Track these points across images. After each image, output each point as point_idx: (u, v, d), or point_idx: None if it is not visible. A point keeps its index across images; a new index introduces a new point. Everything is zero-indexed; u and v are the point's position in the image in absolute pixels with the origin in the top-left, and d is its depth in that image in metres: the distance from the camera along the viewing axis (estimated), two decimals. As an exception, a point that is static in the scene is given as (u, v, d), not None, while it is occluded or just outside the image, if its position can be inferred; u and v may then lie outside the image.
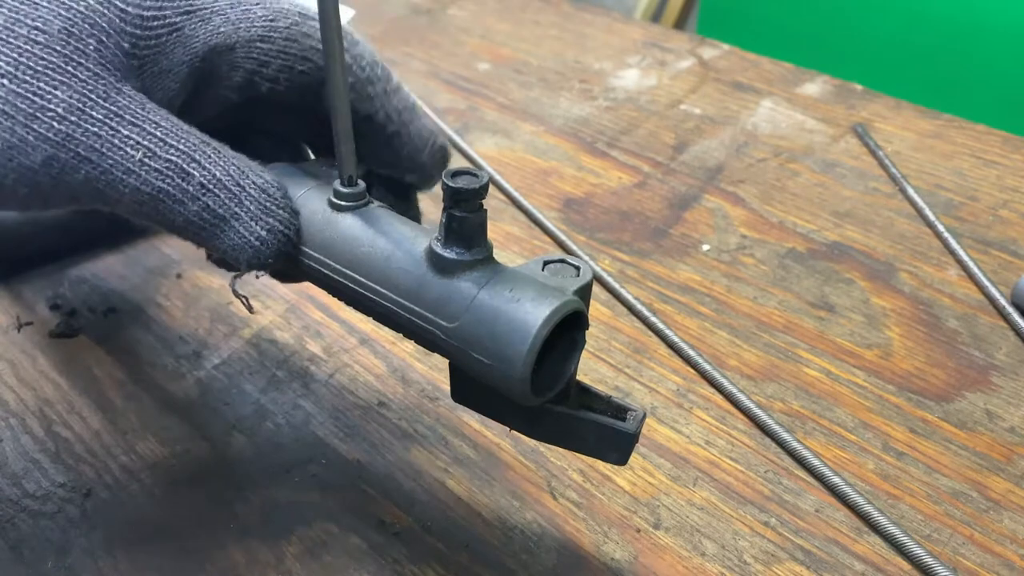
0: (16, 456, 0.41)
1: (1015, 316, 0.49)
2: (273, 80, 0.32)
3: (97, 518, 0.38)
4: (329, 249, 0.30)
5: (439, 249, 0.28)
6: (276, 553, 0.37)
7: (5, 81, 0.26)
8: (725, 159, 0.65)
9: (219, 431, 0.42)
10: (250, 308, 0.41)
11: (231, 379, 0.45)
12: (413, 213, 0.39)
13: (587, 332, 0.29)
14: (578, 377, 0.31)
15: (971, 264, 0.53)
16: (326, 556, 0.37)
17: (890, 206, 0.60)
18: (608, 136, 0.68)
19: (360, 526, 0.38)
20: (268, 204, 0.29)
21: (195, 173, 0.28)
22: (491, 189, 0.29)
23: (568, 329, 0.28)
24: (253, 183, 0.29)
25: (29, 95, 0.27)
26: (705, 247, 0.56)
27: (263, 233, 0.29)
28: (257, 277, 0.46)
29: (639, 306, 0.50)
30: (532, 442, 0.42)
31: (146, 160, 0.28)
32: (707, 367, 0.46)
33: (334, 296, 0.32)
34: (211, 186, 0.28)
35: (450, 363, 0.31)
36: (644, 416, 0.30)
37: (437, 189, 0.29)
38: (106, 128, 0.27)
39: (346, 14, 0.81)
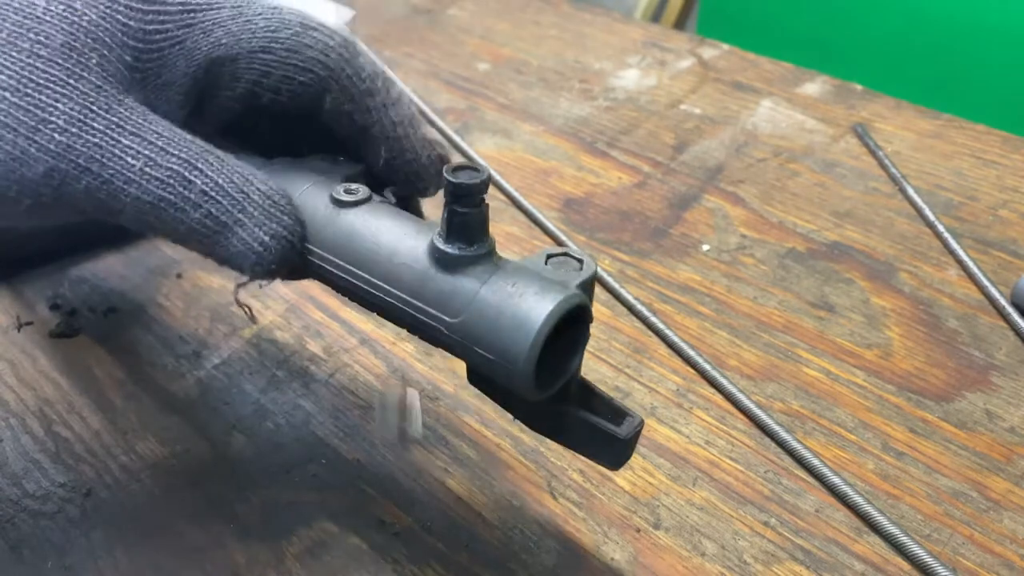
0: (16, 456, 0.41)
1: (1015, 316, 0.49)
2: (274, 90, 0.32)
3: (97, 518, 0.38)
4: (331, 246, 0.31)
5: (441, 245, 0.28)
6: (276, 553, 0.37)
7: (8, 95, 0.27)
8: (725, 159, 0.65)
9: (219, 431, 0.42)
10: (253, 319, 0.41)
11: (231, 379, 0.45)
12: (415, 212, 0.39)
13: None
14: (582, 375, 0.31)
15: (971, 264, 0.53)
16: (326, 556, 0.37)
17: (890, 206, 0.60)
18: (608, 136, 0.68)
19: (360, 526, 0.38)
20: (272, 210, 0.29)
21: (197, 181, 0.28)
22: (491, 189, 0.29)
23: (572, 324, 0.28)
24: (257, 189, 0.29)
25: (31, 108, 0.27)
26: (705, 247, 0.56)
27: (266, 239, 0.29)
28: (261, 287, 0.46)
29: (639, 306, 0.50)
30: (532, 442, 0.42)
31: (147, 169, 0.28)
32: (707, 367, 0.46)
33: (336, 292, 0.32)
34: (213, 193, 0.28)
35: None
36: (641, 423, 0.30)
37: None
38: (107, 138, 0.28)
39: (345, 14, 0.81)
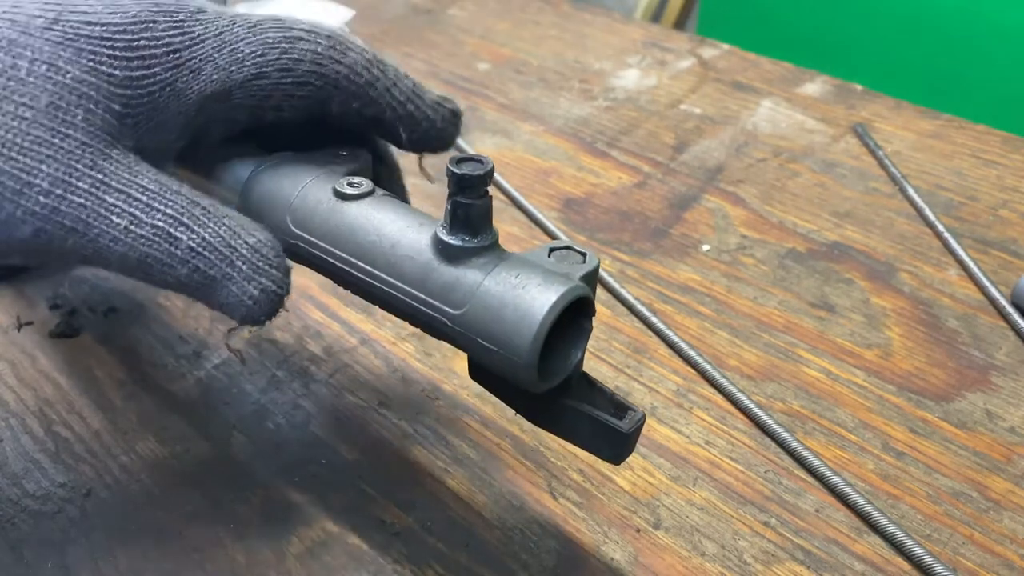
0: (16, 456, 0.41)
1: (1015, 316, 0.49)
2: (277, 109, 0.33)
3: (97, 518, 0.38)
4: (334, 238, 0.31)
5: (445, 236, 0.28)
6: (276, 553, 0.37)
7: None
8: (725, 159, 0.65)
9: (219, 431, 0.42)
10: (243, 361, 0.42)
11: (231, 379, 0.45)
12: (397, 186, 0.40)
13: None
14: (584, 370, 0.31)
15: (971, 264, 0.53)
16: (326, 556, 0.37)
17: (890, 206, 0.60)
18: (608, 136, 0.68)
19: (360, 526, 0.38)
20: (260, 264, 0.29)
21: (183, 237, 0.28)
22: (491, 189, 0.29)
23: (575, 316, 0.28)
24: (245, 243, 0.29)
25: (16, 172, 0.27)
26: (705, 247, 0.56)
27: (256, 293, 0.29)
28: (249, 333, 0.47)
29: (639, 306, 0.50)
30: (532, 442, 0.42)
31: (132, 227, 0.28)
32: (707, 367, 0.46)
33: (340, 285, 0.32)
34: (201, 249, 0.29)
35: None
36: (643, 418, 0.30)
37: (442, 180, 0.29)
38: (92, 198, 0.28)
39: (345, 14, 0.81)
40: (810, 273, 0.54)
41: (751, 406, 0.44)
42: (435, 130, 0.35)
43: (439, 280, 0.28)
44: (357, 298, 0.32)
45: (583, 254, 0.29)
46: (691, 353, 0.47)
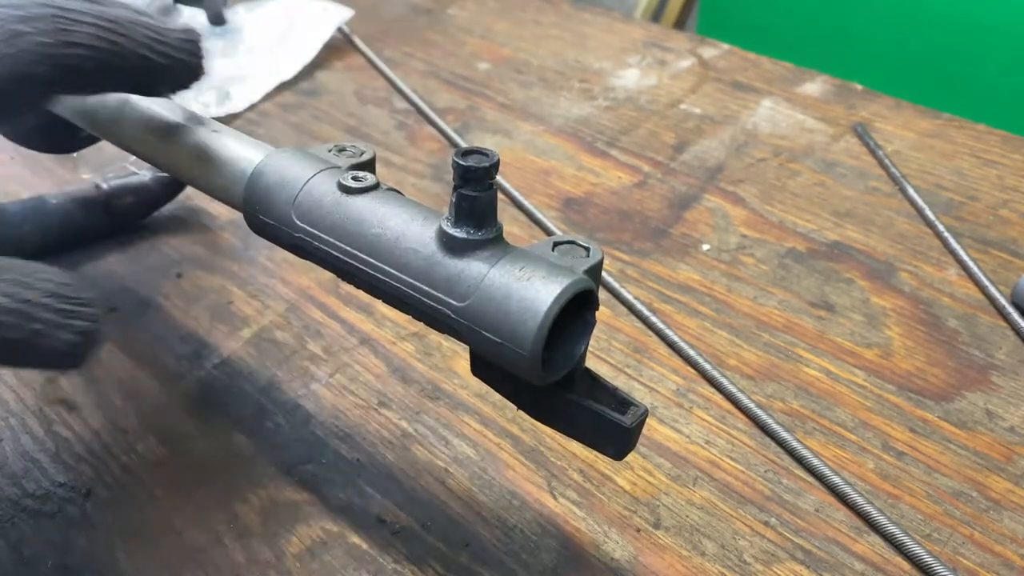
0: (16, 456, 0.41)
1: (1015, 316, 0.49)
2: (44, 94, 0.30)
3: (97, 518, 0.38)
4: (339, 232, 0.31)
5: (449, 229, 0.28)
6: (276, 553, 0.37)
7: None
8: (725, 159, 0.65)
9: (219, 431, 0.42)
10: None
11: (231, 379, 0.45)
12: None
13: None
14: (586, 366, 0.31)
15: (971, 264, 0.53)
16: (326, 556, 0.37)
17: (890, 206, 0.60)
18: (608, 136, 0.68)
19: (360, 526, 0.38)
20: (63, 307, 0.27)
21: None
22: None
23: (579, 309, 0.28)
24: (40, 291, 0.27)
25: None
26: (705, 247, 0.56)
27: (72, 338, 0.27)
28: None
29: (639, 306, 0.50)
30: (532, 442, 0.42)
31: None
32: (707, 367, 0.46)
33: (344, 279, 0.32)
34: None
35: None
36: (645, 413, 0.30)
37: (448, 177, 0.29)
38: None
39: (345, 14, 0.81)
40: (810, 273, 0.54)
41: (751, 406, 0.44)
42: (188, 65, 0.32)
43: (443, 272, 0.28)
44: (357, 298, 0.32)
45: (587, 248, 0.29)
46: (691, 353, 0.47)
